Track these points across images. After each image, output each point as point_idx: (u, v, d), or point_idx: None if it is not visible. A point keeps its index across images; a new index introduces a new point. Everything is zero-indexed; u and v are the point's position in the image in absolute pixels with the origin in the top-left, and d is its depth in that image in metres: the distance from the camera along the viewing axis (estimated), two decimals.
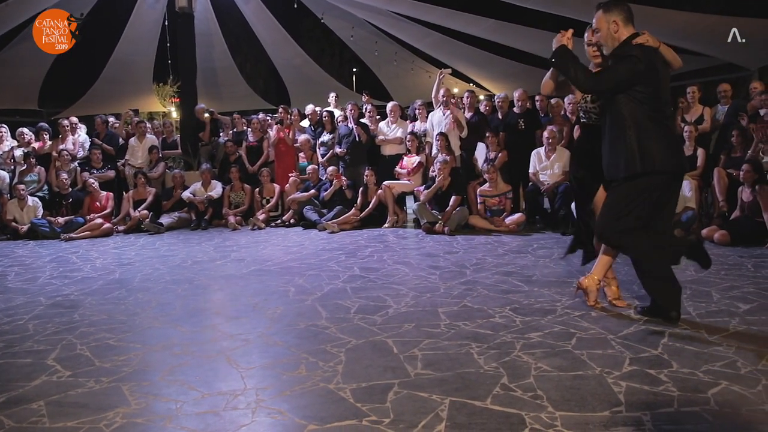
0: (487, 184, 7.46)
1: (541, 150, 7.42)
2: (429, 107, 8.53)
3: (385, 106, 9.05)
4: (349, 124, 8.46)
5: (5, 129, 9.22)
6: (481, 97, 9.55)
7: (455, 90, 13.54)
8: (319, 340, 3.26)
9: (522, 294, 4.13)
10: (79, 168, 9.07)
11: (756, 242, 5.68)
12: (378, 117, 9.11)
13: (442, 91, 7.88)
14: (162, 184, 9.39)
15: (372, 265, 5.41)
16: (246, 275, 5.14)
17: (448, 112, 7.77)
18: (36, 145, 9.17)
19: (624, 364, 2.75)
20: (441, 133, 7.71)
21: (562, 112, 7.89)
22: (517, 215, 7.31)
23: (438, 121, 7.93)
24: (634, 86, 3.13)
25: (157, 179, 9.29)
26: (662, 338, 3.09)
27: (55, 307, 4.24)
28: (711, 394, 2.41)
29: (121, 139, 9.75)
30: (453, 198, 7.31)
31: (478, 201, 7.50)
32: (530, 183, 7.55)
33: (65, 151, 8.91)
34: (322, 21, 13.99)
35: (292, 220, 8.44)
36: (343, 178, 8.33)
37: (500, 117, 8.12)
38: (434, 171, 7.55)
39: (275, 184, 8.97)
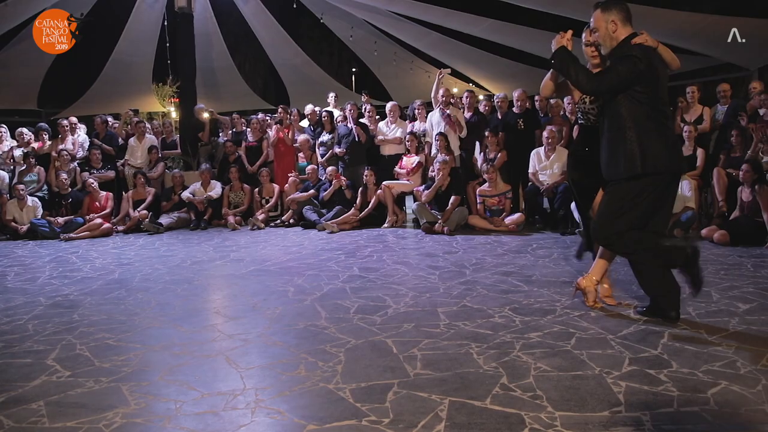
0: (486, 184, 7.46)
1: (541, 150, 7.43)
2: (428, 107, 8.53)
3: (385, 106, 9.05)
4: (349, 124, 8.46)
5: (5, 129, 9.23)
6: (481, 97, 9.52)
7: (455, 90, 13.54)
8: (318, 340, 3.26)
9: (521, 294, 4.13)
10: (78, 168, 9.08)
11: (755, 242, 5.69)
12: (377, 117, 9.11)
13: (441, 91, 7.89)
14: (161, 184, 9.39)
15: (371, 265, 5.41)
16: (245, 275, 5.14)
17: (448, 111, 7.77)
18: (35, 145, 9.17)
19: (623, 364, 2.75)
20: (440, 133, 7.71)
21: (562, 112, 7.90)
22: (516, 215, 7.31)
23: (437, 121, 7.93)
24: (633, 86, 3.11)
25: (157, 179, 9.29)
26: (662, 338, 3.09)
27: (55, 307, 4.24)
28: (711, 394, 2.41)
29: (120, 139, 9.75)
30: (452, 198, 7.31)
31: (478, 201, 7.51)
32: (530, 183, 7.55)
33: (65, 151, 8.91)
34: (321, 21, 13.99)
35: (291, 220, 8.44)
36: (343, 178, 8.33)
37: (499, 117, 8.12)
38: (434, 171, 7.56)
39: (275, 184, 8.97)
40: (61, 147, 9.06)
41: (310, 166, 8.78)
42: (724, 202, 6.41)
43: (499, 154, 7.71)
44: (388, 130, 8.54)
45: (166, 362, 3.01)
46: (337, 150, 8.56)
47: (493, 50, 13.85)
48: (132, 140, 9.52)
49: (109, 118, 10.16)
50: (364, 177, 8.18)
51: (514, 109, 8.01)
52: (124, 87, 14.87)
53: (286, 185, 8.85)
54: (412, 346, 3.10)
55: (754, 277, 4.42)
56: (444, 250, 6.08)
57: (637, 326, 3.30)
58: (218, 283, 4.88)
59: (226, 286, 4.73)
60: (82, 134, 9.59)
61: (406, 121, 8.67)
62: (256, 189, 8.96)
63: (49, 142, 9.30)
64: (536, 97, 8.15)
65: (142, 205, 8.58)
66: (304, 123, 9.69)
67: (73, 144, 9.27)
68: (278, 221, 8.58)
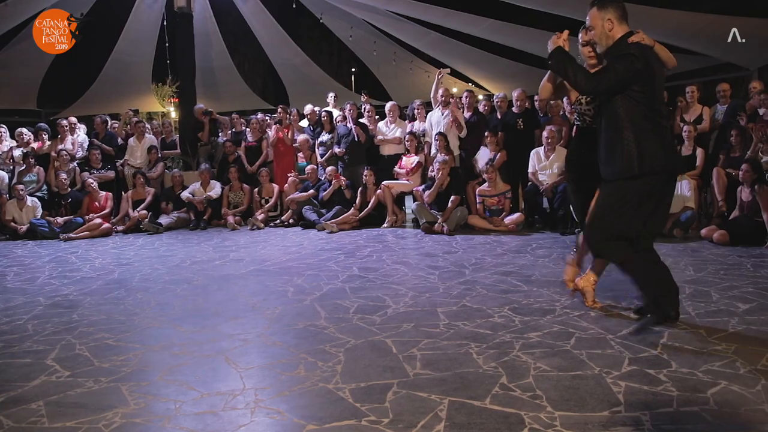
0: (486, 184, 7.46)
1: (540, 150, 7.43)
2: (428, 107, 8.53)
3: (384, 106, 9.05)
4: (348, 124, 8.46)
5: (4, 129, 9.22)
6: (480, 96, 9.52)
7: (454, 90, 13.54)
8: (318, 340, 3.26)
9: (521, 294, 4.13)
10: (78, 168, 9.07)
11: (755, 242, 5.68)
12: (377, 117, 9.11)
13: (441, 91, 7.89)
14: (161, 184, 9.39)
15: (371, 265, 5.41)
16: (245, 275, 5.14)
17: (447, 111, 7.77)
18: (35, 145, 9.16)
19: (623, 364, 2.75)
20: (440, 133, 7.71)
21: (561, 112, 7.89)
22: (516, 215, 7.31)
23: (437, 120, 7.93)
24: (631, 85, 3.09)
25: (156, 179, 9.29)
26: (661, 338, 3.09)
27: (54, 307, 4.23)
28: (710, 393, 2.41)
29: (120, 139, 9.75)
30: (452, 198, 7.31)
31: (477, 201, 7.51)
32: (529, 183, 7.54)
33: (64, 152, 8.90)
34: (320, 21, 13.99)
35: (291, 220, 8.44)
36: (342, 178, 8.33)
37: (499, 117, 8.12)
38: (433, 171, 7.56)
39: (274, 184, 8.98)
40: (60, 147, 9.06)
41: (309, 166, 8.78)
42: (723, 201, 6.41)
43: (499, 154, 7.71)
44: (388, 130, 8.54)
45: (165, 362, 3.01)
46: (336, 150, 8.56)
47: (492, 50, 13.84)
48: (131, 140, 9.52)
49: (107, 118, 10.16)
50: (364, 177, 8.18)
51: (514, 109, 8.01)
52: (124, 87, 14.86)
53: (286, 185, 8.85)
54: (411, 346, 3.10)
55: (754, 277, 4.41)
56: (443, 250, 6.08)
57: (637, 326, 3.30)
58: (218, 283, 4.88)
59: (225, 286, 4.73)
60: (81, 134, 9.58)
61: (406, 121, 8.67)
62: (256, 189, 8.96)
63: (48, 142, 9.29)
64: (536, 97, 8.15)
65: (142, 205, 8.58)
66: (304, 123, 9.68)
67: (73, 144, 9.27)
68: (278, 221, 8.58)
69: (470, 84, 15.67)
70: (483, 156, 7.76)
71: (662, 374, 2.62)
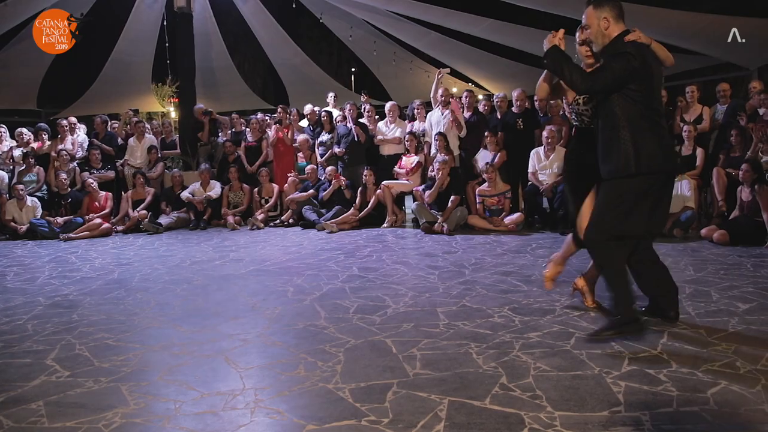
0: (486, 184, 7.46)
1: (540, 150, 7.43)
2: (428, 107, 8.53)
3: (384, 105, 9.05)
4: (348, 124, 8.46)
5: (4, 129, 9.22)
6: (480, 96, 9.52)
7: (454, 89, 13.55)
8: (317, 340, 3.26)
9: (521, 294, 4.13)
10: (78, 168, 9.08)
11: (755, 242, 5.68)
12: (377, 117, 9.11)
13: (440, 91, 7.89)
14: (161, 184, 9.39)
15: (371, 264, 5.41)
16: (245, 275, 5.14)
17: (447, 111, 7.77)
18: (35, 145, 9.16)
19: (623, 364, 2.75)
20: (440, 133, 7.71)
21: (561, 112, 7.87)
22: (515, 215, 7.31)
23: (436, 120, 7.93)
24: (628, 84, 3.05)
25: (156, 179, 9.29)
26: (661, 338, 3.09)
27: (54, 307, 4.23)
28: (710, 393, 2.41)
29: (120, 139, 9.75)
30: (452, 198, 7.31)
31: (477, 201, 7.51)
32: (529, 183, 7.54)
33: (64, 152, 8.90)
34: (320, 21, 13.99)
35: (290, 220, 8.44)
36: (342, 177, 8.33)
37: (499, 117, 8.12)
38: (433, 171, 7.56)
39: (274, 184, 8.98)
40: (60, 147, 9.06)
41: (309, 166, 8.78)
42: (723, 201, 6.41)
43: (499, 154, 7.71)
44: (388, 129, 8.54)
45: (165, 362, 3.01)
46: (336, 150, 8.56)
47: (492, 50, 13.85)
48: (131, 140, 9.52)
49: (107, 118, 10.16)
50: (364, 177, 8.18)
51: (514, 109, 8.01)
52: (124, 87, 14.87)
53: (286, 185, 8.85)
54: (411, 346, 3.09)
55: (754, 277, 4.41)
56: (443, 249, 6.08)
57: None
58: (217, 283, 4.88)
59: (225, 286, 4.73)
60: (81, 134, 9.58)
61: (406, 121, 8.67)
62: (256, 189, 8.96)
63: (48, 142, 9.29)
64: (535, 97, 8.13)
65: (142, 205, 8.58)
66: (304, 123, 9.68)
67: (73, 144, 9.27)
68: (277, 221, 8.58)
69: (470, 84, 15.66)
70: (482, 158, 7.76)
71: (662, 374, 2.61)
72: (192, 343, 3.28)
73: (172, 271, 5.43)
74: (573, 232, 3.66)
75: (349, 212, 7.99)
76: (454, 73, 14.37)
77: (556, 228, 7.02)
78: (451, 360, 2.88)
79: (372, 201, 8.06)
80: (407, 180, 8.05)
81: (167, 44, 12.84)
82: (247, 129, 9.66)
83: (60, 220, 8.18)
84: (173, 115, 15.26)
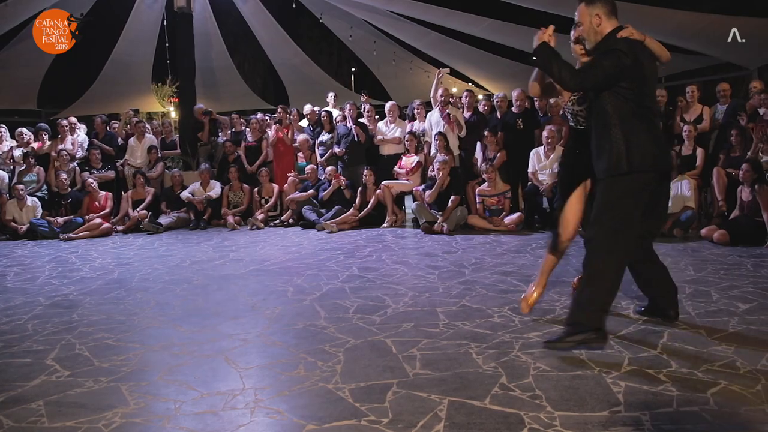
0: (485, 184, 7.46)
1: (540, 150, 7.43)
2: (428, 107, 8.53)
3: (384, 105, 9.05)
4: (348, 124, 8.46)
5: (4, 129, 9.23)
6: (480, 96, 9.52)
7: (454, 90, 13.54)
8: (317, 340, 3.26)
9: (521, 294, 4.10)
10: (78, 168, 9.08)
11: (755, 242, 5.68)
12: (376, 117, 9.11)
13: (440, 91, 7.89)
14: (161, 184, 9.39)
15: (371, 264, 5.41)
16: (244, 275, 5.14)
17: (447, 111, 7.76)
18: (35, 145, 9.17)
19: (623, 364, 2.75)
20: (439, 133, 7.71)
21: (561, 112, 7.86)
22: (515, 215, 7.31)
23: (436, 120, 7.93)
24: (619, 82, 2.98)
25: (156, 179, 9.29)
26: (661, 338, 3.09)
27: (54, 307, 4.23)
28: (710, 393, 2.41)
29: (120, 139, 9.75)
30: (452, 198, 7.31)
31: (477, 200, 7.51)
32: (529, 183, 7.54)
33: (64, 152, 8.91)
34: (320, 21, 13.99)
35: (290, 220, 8.44)
36: (342, 177, 8.33)
37: (499, 116, 8.11)
38: (433, 171, 7.56)
39: (274, 184, 8.98)
40: (60, 147, 9.06)
41: (309, 166, 8.78)
42: (723, 201, 6.40)
43: (499, 154, 7.71)
44: (388, 129, 8.54)
45: (165, 362, 3.01)
46: (336, 150, 8.56)
47: (492, 50, 13.85)
48: (131, 140, 9.53)
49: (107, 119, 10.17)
50: (364, 177, 8.18)
51: (513, 109, 8.00)
52: (124, 87, 14.87)
53: (286, 185, 8.85)
54: (411, 346, 3.09)
55: (754, 277, 4.41)
56: (443, 249, 6.08)
57: (637, 326, 3.31)
58: (217, 283, 4.88)
59: (225, 286, 4.73)
60: (81, 134, 9.59)
61: (406, 121, 8.67)
62: (256, 189, 8.96)
63: (48, 142, 9.30)
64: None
65: (142, 205, 8.59)
66: (304, 123, 9.68)
67: (73, 144, 9.28)
68: (277, 221, 8.58)
69: (470, 84, 15.66)
70: (478, 153, 7.77)
71: (662, 374, 2.61)
72: (192, 343, 3.28)
73: (172, 271, 5.43)
74: (552, 237, 3.62)
75: (349, 212, 7.99)
76: (454, 73, 14.38)
77: (555, 228, 7.00)
78: (451, 360, 2.88)
79: (372, 201, 8.06)
80: (407, 180, 8.05)
81: (167, 44, 12.85)
82: (247, 129, 9.66)
83: (60, 220, 8.18)
84: (173, 115, 15.26)
